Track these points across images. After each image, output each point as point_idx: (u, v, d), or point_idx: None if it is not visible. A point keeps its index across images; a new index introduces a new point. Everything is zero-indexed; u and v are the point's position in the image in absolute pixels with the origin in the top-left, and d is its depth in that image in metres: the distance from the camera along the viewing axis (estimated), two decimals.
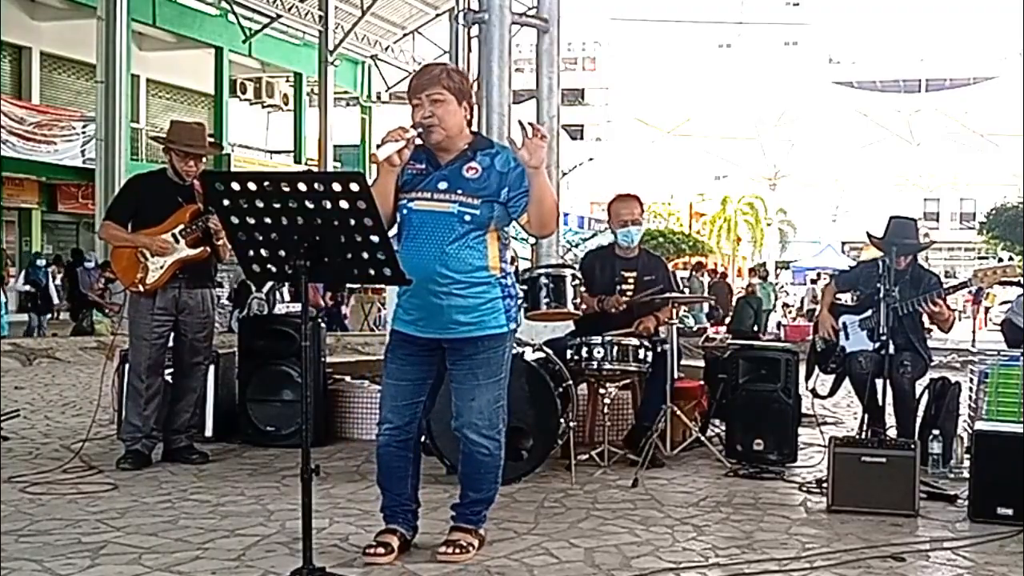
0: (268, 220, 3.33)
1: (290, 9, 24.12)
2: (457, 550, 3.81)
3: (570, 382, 5.48)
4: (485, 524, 4.01)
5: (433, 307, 3.72)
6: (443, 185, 3.73)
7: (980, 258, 45.91)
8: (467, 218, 3.69)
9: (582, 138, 56.42)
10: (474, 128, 3.98)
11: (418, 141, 3.69)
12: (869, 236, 6.05)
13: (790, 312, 26.34)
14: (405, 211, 3.75)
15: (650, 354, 5.69)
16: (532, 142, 3.59)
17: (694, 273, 21.57)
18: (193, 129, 5.72)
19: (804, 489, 5.18)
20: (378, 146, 3.61)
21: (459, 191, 3.71)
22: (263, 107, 28.97)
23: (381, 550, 3.77)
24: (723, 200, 49.30)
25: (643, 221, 6.26)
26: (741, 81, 58.05)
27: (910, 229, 5.99)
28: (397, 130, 3.62)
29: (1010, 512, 4.46)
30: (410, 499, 3.94)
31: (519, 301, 3.96)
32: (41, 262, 19.03)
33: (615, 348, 5.61)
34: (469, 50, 8.46)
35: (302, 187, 3.24)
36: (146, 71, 24.64)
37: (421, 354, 3.82)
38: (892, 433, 5.59)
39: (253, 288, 16.78)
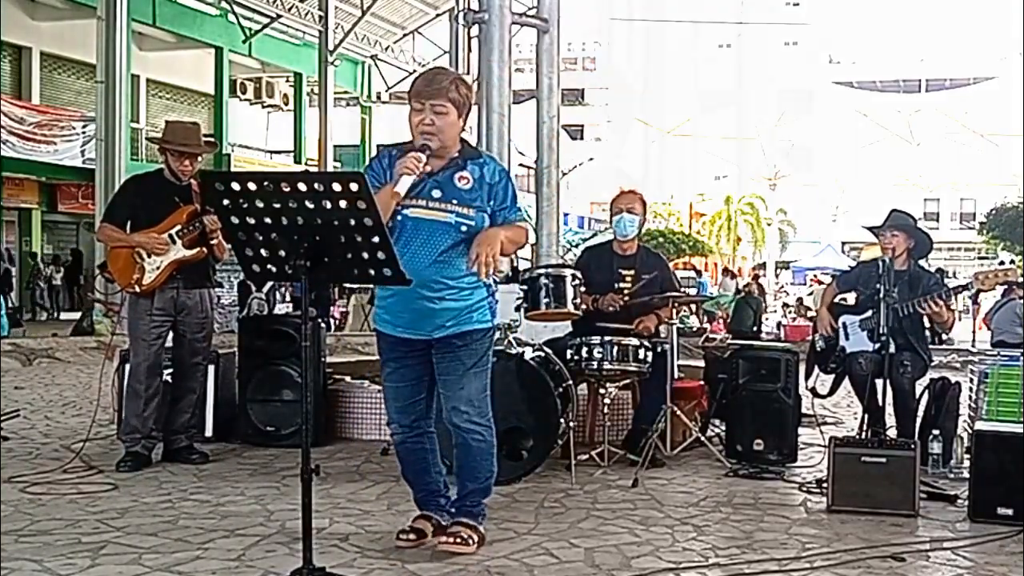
0: (268, 220, 3.32)
1: (290, 9, 24.09)
2: (458, 540, 3.87)
3: (570, 382, 5.48)
4: (485, 524, 4.03)
5: (425, 311, 3.82)
6: (437, 193, 3.80)
7: (980, 258, 45.88)
8: (463, 228, 3.80)
9: (582, 138, 56.29)
10: (471, 127, 4.01)
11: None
12: (870, 229, 6.05)
13: (790, 312, 26.28)
14: (399, 217, 3.79)
15: (650, 354, 5.68)
16: (479, 262, 3.68)
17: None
18: (188, 128, 5.72)
19: (804, 489, 5.19)
20: (395, 182, 3.64)
21: (454, 201, 3.80)
22: (263, 107, 28.92)
23: (413, 536, 3.96)
24: (726, 200, 49.28)
25: (642, 215, 6.09)
26: (741, 81, 58.02)
27: (908, 222, 6.00)
28: (411, 160, 3.65)
29: (1010, 512, 4.46)
30: (438, 487, 4.08)
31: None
32: None
33: (615, 348, 5.60)
34: (469, 50, 8.47)
35: (302, 187, 3.24)
36: (146, 71, 24.59)
37: (415, 355, 3.92)
38: (892, 433, 5.59)
39: (253, 288, 16.72)
